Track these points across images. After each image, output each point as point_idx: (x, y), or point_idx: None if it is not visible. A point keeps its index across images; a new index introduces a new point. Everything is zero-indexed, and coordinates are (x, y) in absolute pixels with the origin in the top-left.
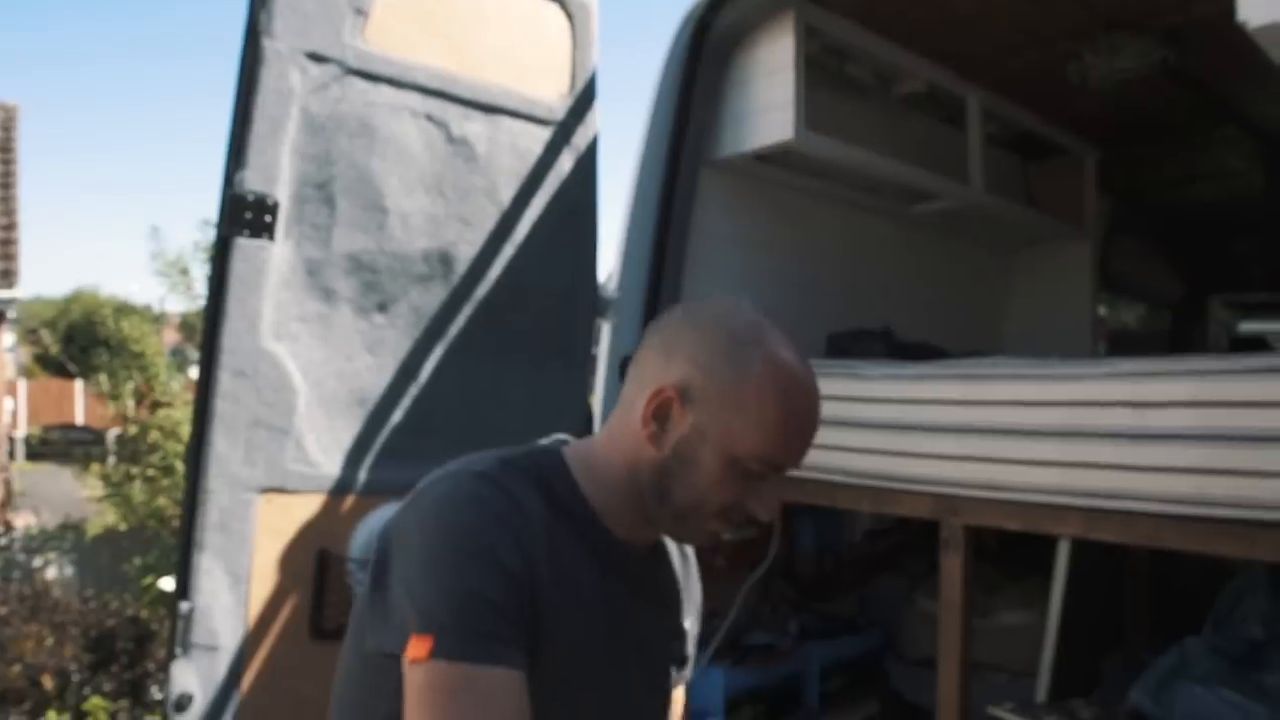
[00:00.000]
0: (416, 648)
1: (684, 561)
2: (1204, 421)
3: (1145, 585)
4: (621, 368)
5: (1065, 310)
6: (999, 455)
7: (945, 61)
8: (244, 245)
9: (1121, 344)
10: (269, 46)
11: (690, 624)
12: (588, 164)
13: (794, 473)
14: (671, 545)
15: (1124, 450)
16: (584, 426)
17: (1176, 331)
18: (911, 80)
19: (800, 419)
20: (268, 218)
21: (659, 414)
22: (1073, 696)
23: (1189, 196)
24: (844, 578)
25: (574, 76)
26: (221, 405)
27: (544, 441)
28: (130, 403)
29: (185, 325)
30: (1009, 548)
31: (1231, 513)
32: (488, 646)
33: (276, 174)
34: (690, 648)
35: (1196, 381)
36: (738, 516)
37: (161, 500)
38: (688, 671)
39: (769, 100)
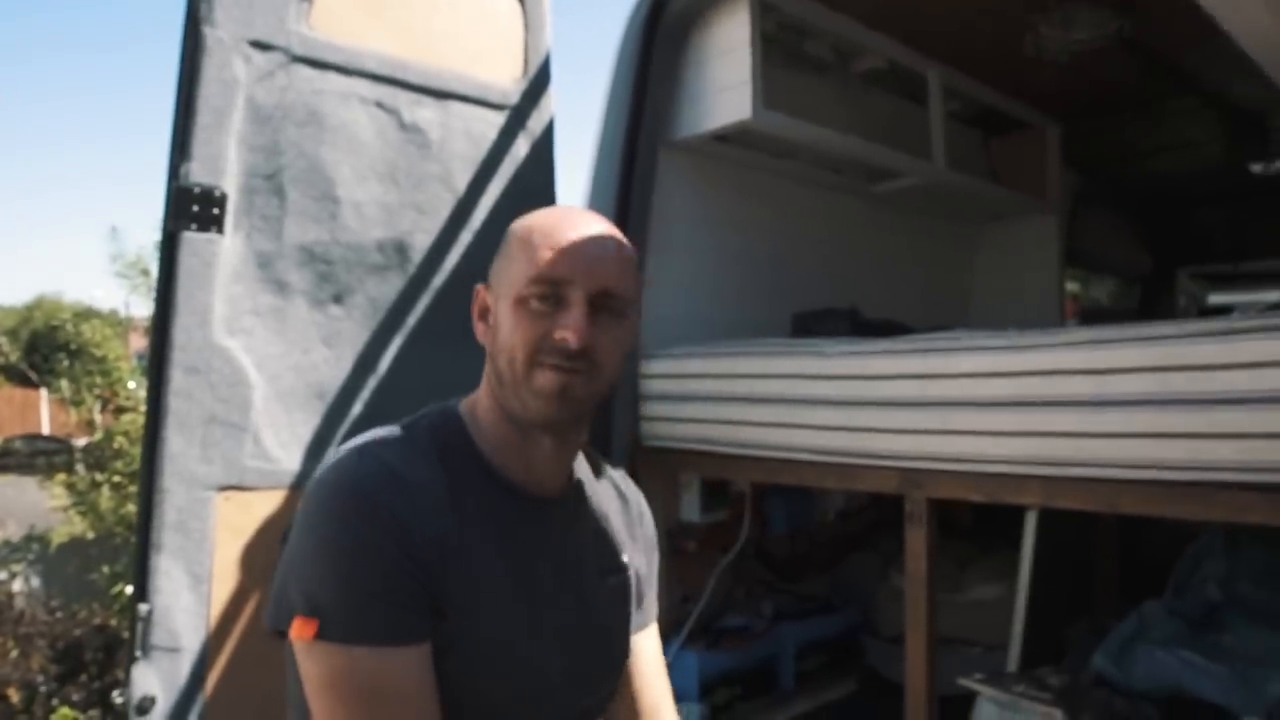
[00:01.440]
0: (302, 628)
1: (624, 502)
2: (1162, 386)
3: (1112, 555)
4: None
5: (1033, 285)
6: (960, 427)
7: (905, 38)
8: (192, 239)
9: (1093, 320)
10: (210, 35)
11: (641, 562)
12: (544, 148)
13: (761, 454)
14: (604, 487)
15: (1084, 418)
16: None
17: (1145, 305)
18: (871, 57)
19: (554, 234)
20: (215, 210)
21: (480, 311)
22: (1042, 666)
23: (1152, 168)
24: (817, 558)
25: (527, 60)
26: (175, 403)
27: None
28: (95, 409)
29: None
30: (981, 522)
31: (1188, 475)
32: (373, 628)
33: (223, 166)
34: (645, 587)
35: (1155, 346)
36: (548, 350)
37: (130, 506)
38: (650, 611)
39: (726, 79)
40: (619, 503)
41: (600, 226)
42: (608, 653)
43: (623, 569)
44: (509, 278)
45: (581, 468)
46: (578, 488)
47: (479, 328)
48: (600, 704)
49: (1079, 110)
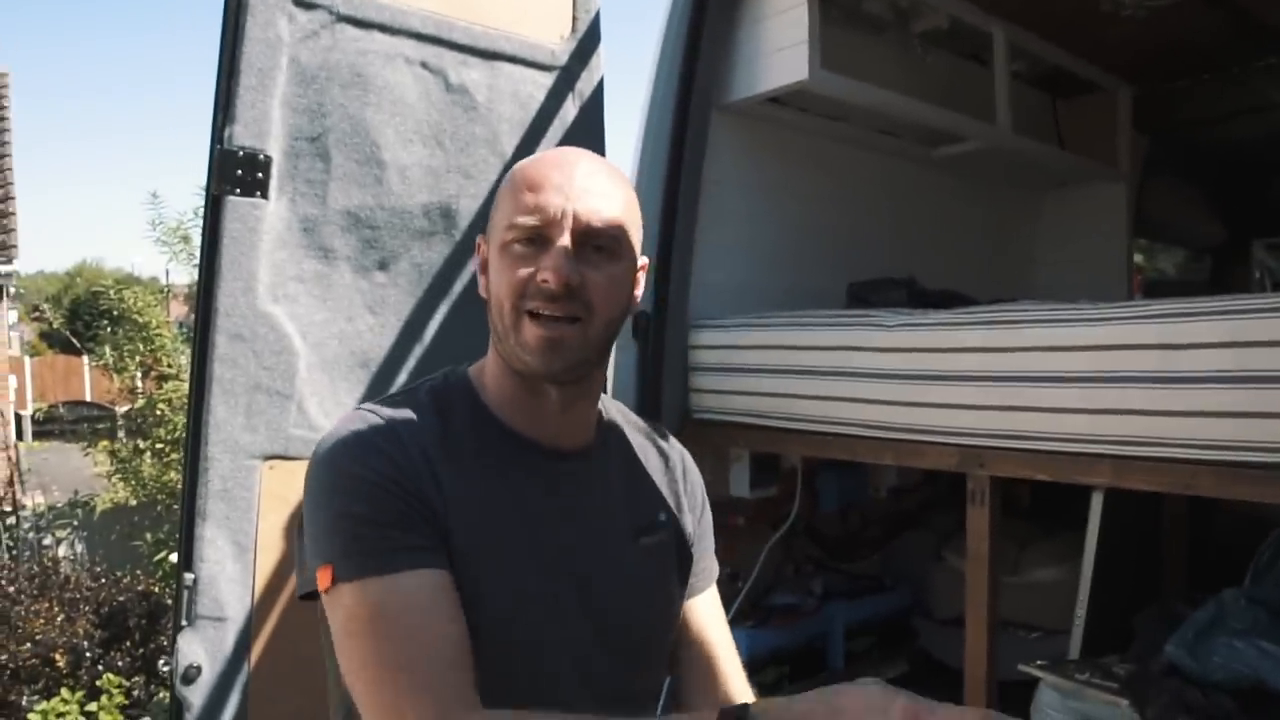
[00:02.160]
0: (322, 580)
1: (664, 459)
2: (1239, 363)
3: (1182, 538)
4: (635, 322)
5: (1099, 255)
6: (1025, 403)
7: None
8: (236, 204)
9: (1158, 292)
10: None
11: (688, 521)
12: (593, 110)
13: (815, 428)
14: (641, 442)
15: (1156, 395)
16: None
17: (1216, 277)
18: (932, 15)
19: (536, 174)
20: (260, 174)
21: (481, 265)
22: (1106, 653)
23: (1229, 133)
24: (869, 536)
25: (576, 18)
26: (219, 370)
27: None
28: (137, 375)
29: (190, 297)
30: (1040, 501)
31: (1269, 457)
32: (383, 558)
33: (267, 128)
34: (695, 549)
35: (1230, 321)
36: (533, 294)
37: (172, 474)
38: (707, 574)
39: (782, 40)
40: (659, 460)
41: (588, 162)
42: (644, 616)
43: (660, 527)
44: (495, 223)
45: (612, 422)
46: (603, 442)
47: (481, 281)
48: (652, 677)
49: (1152, 71)
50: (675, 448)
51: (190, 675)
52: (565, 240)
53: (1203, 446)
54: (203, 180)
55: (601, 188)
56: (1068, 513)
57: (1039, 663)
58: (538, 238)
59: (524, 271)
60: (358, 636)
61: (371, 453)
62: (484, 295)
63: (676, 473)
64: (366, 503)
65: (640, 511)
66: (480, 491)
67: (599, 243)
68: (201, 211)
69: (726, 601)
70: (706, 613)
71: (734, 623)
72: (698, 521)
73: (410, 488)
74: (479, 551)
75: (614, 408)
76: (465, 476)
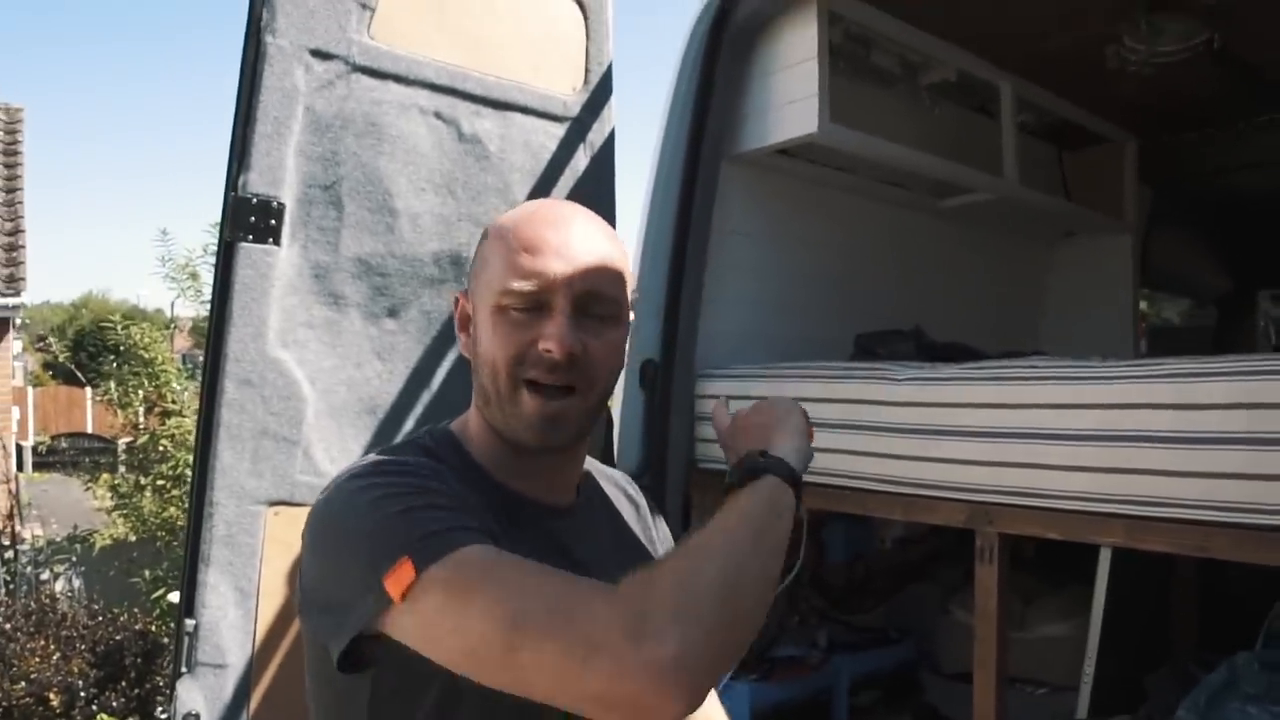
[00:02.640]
0: (400, 581)
1: (635, 507)
2: (1253, 425)
3: (1191, 594)
4: (642, 371)
5: (1105, 306)
6: (1035, 460)
7: (976, 48)
8: (249, 250)
9: (1162, 341)
10: (271, 44)
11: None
12: (604, 161)
13: (824, 480)
14: (614, 492)
15: (1168, 455)
16: (603, 430)
17: (1222, 328)
18: (940, 69)
19: (536, 232)
20: (273, 221)
21: (462, 322)
22: (1115, 713)
23: (1234, 185)
24: (875, 587)
25: (588, 70)
26: (227, 415)
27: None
28: (140, 410)
29: (196, 330)
30: (1046, 555)
31: None
32: (469, 534)
33: (281, 176)
34: None
35: (1245, 383)
36: (536, 365)
37: (172, 510)
38: None
39: (791, 92)
40: (631, 508)
41: (584, 221)
42: None
43: None
44: (485, 283)
45: (587, 473)
46: (588, 497)
47: (461, 339)
48: None
49: (1158, 124)
50: (637, 492)
51: None
52: (566, 308)
53: (1217, 508)
54: (212, 218)
55: (600, 250)
56: (1075, 566)
57: None
58: (536, 303)
59: (523, 339)
60: (478, 592)
61: (407, 465)
62: (466, 354)
63: (647, 520)
64: (421, 495)
65: (627, 562)
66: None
67: (600, 310)
68: (210, 249)
69: None
70: None
71: (737, 675)
72: None
73: (456, 490)
74: None
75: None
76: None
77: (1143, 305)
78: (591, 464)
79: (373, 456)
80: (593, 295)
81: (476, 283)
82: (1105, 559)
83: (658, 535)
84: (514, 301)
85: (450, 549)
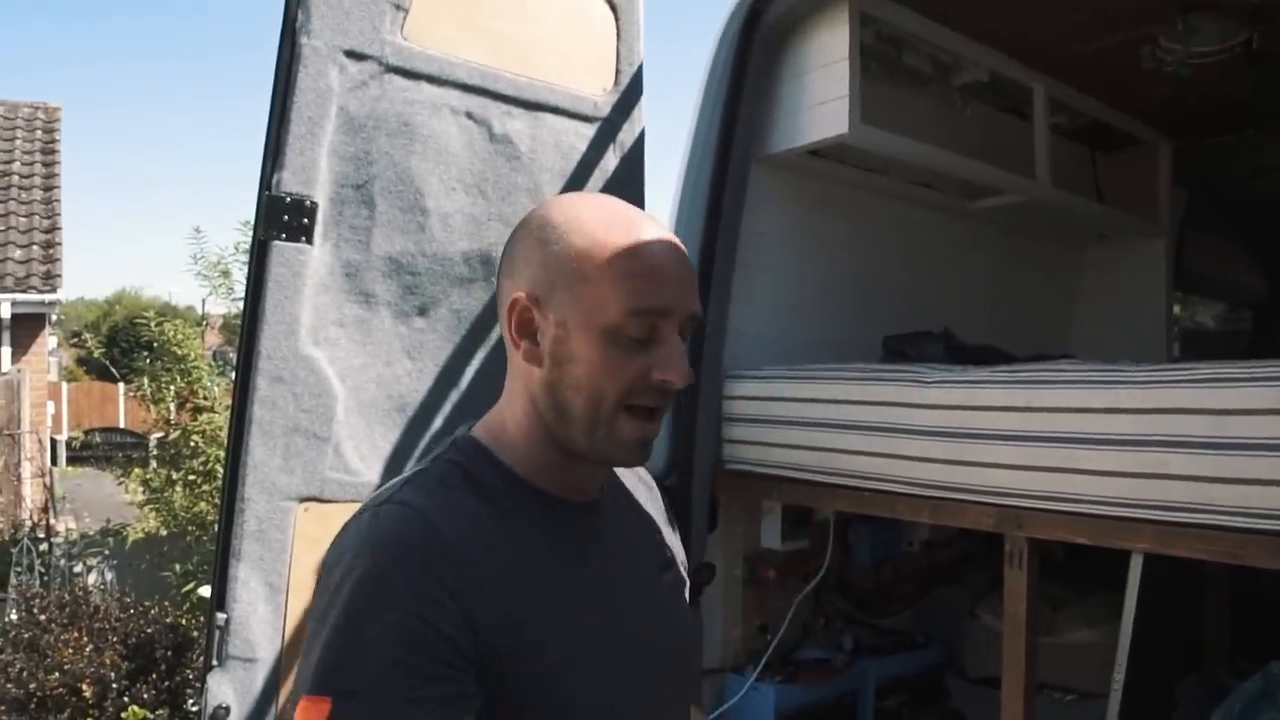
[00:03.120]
0: (309, 709)
1: (648, 488)
2: None
3: (1225, 604)
4: None
5: (1138, 310)
6: (1066, 465)
7: (1009, 49)
8: (282, 248)
9: (1196, 345)
10: (306, 44)
11: (677, 545)
12: (634, 161)
13: (852, 483)
14: (628, 476)
15: (1202, 460)
16: None
17: (1258, 331)
18: (973, 69)
19: (649, 254)
20: (306, 220)
21: (522, 328)
22: None
23: (1270, 188)
24: (901, 590)
25: (619, 71)
26: (259, 412)
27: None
28: (172, 406)
29: (227, 327)
30: (1076, 559)
31: None
32: (401, 708)
33: (315, 175)
34: (685, 568)
35: None
36: (648, 393)
37: (203, 505)
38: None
39: (823, 93)
40: (644, 489)
41: (668, 235)
42: (685, 652)
43: (672, 561)
44: (588, 304)
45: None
46: (611, 491)
47: (522, 347)
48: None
49: (1193, 126)
50: (645, 473)
51: (219, 716)
52: (677, 333)
53: (1253, 515)
54: (243, 216)
55: (692, 271)
56: (1104, 572)
57: None
58: (651, 328)
59: (639, 367)
60: None
61: (413, 576)
62: (528, 362)
63: (657, 496)
64: (402, 638)
65: (656, 548)
66: (538, 563)
67: (690, 330)
68: (242, 247)
69: (756, 654)
70: None
71: (762, 677)
72: (678, 544)
73: (450, 618)
74: (543, 635)
75: None
76: (515, 562)
77: (1176, 309)
78: None
79: (384, 516)
80: (692, 320)
81: (572, 292)
82: (1136, 565)
83: (669, 517)
84: (634, 330)
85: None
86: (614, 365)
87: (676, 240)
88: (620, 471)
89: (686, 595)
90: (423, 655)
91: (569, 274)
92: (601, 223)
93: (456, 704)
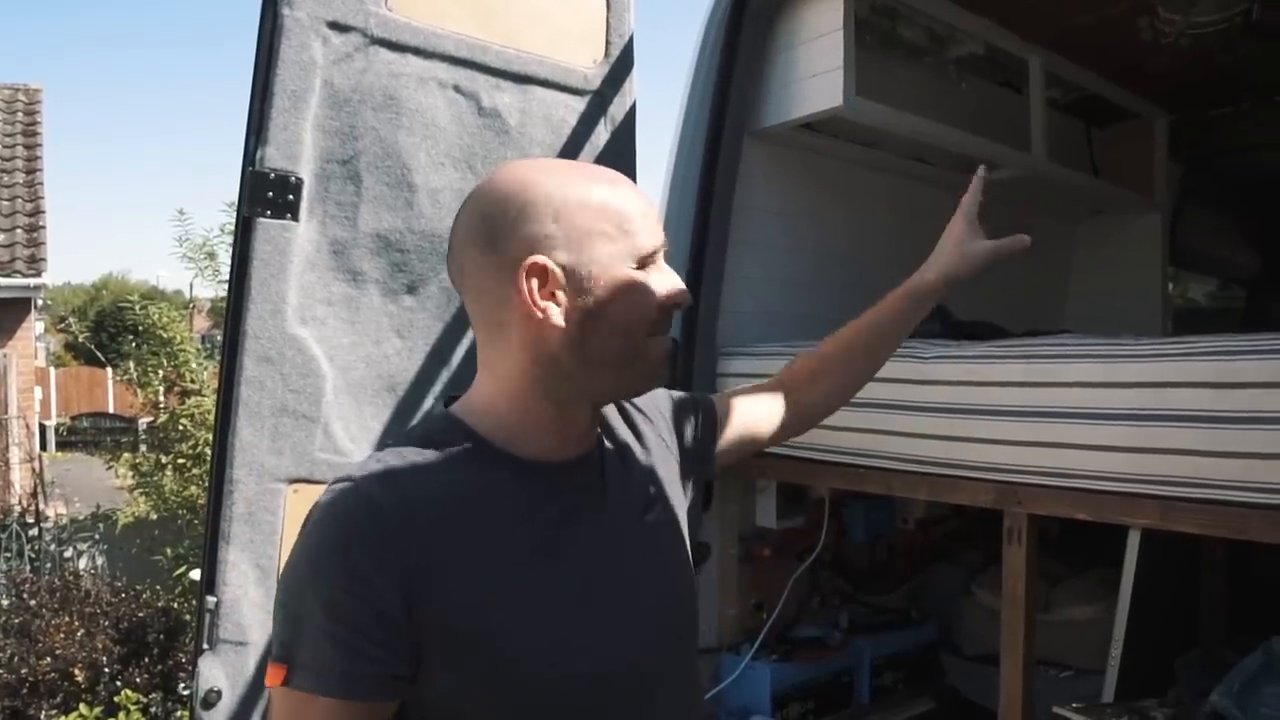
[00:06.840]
0: (273, 674)
1: (650, 421)
2: None
3: (1222, 579)
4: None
5: (1133, 285)
6: (1065, 440)
7: (1004, 21)
8: (267, 226)
9: (1190, 322)
10: (288, 15)
11: (667, 456)
12: (625, 134)
13: (847, 460)
14: (617, 425)
15: (1204, 434)
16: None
17: (1252, 308)
18: (968, 42)
19: (637, 198)
20: (291, 196)
21: (544, 292)
22: (1142, 696)
23: (1268, 162)
24: (896, 568)
25: (609, 43)
26: (246, 392)
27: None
28: (160, 390)
29: (214, 311)
30: (1072, 535)
31: None
32: (332, 681)
33: (299, 151)
34: (689, 467)
35: None
36: (664, 317)
37: (193, 489)
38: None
39: (816, 66)
40: (643, 419)
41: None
42: (672, 606)
43: (657, 496)
44: (610, 249)
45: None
46: (606, 435)
47: (548, 308)
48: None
49: (1190, 99)
50: (644, 402)
51: (211, 699)
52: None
53: (1255, 489)
54: (228, 198)
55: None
56: (1102, 548)
57: (1075, 705)
58: (653, 262)
59: (655, 296)
60: None
61: (364, 554)
62: (558, 322)
63: (657, 415)
64: (340, 613)
65: (639, 485)
66: (506, 539)
67: None
68: (227, 229)
69: (751, 633)
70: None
71: (758, 655)
72: (682, 437)
73: (394, 598)
74: (513, 597)
75: None
76: (488, 527)
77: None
78: None
79: (349, 490)
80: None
81: (584, 251)
82: (1134, 541)
83: (659, 422)
84: (653, 260)
85: (305, 689)
86: (639, 303)
87: None
88: (611, 415)
89: (677, 522)
90: (357, 631)
91: (578, 229)
92: (579, 179)
93: (389, 681)
